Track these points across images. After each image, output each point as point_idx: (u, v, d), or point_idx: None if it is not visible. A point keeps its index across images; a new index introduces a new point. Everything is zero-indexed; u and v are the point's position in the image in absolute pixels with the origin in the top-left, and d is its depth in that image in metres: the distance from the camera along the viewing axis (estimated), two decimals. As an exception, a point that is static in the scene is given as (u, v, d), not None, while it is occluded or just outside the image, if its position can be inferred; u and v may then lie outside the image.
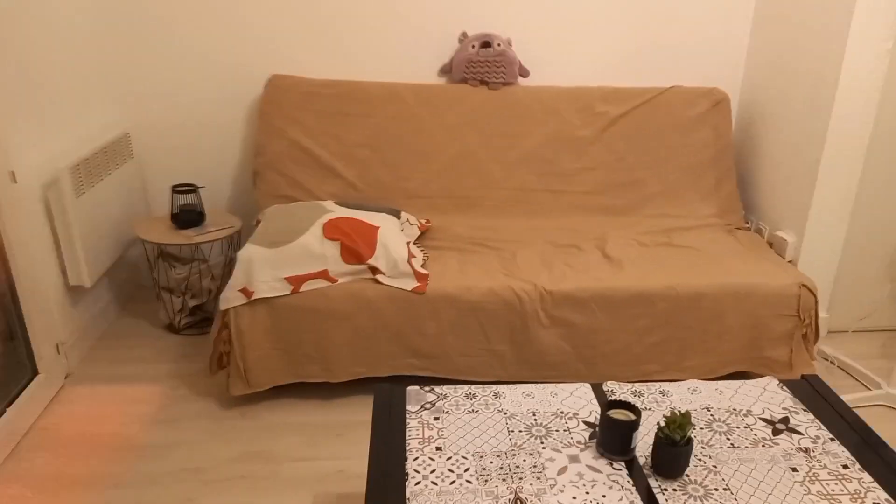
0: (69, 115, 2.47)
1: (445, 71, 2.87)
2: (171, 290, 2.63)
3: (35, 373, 2.24)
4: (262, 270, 2.13)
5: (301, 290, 2.15)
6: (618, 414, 1.43)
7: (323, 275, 2.17)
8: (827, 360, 2.62)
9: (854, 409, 1.67)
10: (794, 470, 1.41)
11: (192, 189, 2.61)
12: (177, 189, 2.60)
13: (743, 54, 2.95)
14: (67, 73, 2.47)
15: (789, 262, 2.59)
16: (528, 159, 2.80)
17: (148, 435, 2.12)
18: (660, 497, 1.32)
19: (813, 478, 1.39)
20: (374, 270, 2.21)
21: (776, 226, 2.76)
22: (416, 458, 1.42)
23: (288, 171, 2.70)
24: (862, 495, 1.34)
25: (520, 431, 1.51)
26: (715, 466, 1.41)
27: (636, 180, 2.81)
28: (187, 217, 2.60)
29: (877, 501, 1.32)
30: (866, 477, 1.39)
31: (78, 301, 2.51)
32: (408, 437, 1.48)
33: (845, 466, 1.42)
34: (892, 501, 1.32)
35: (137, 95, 2.81)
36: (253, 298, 2.13)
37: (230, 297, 2.13)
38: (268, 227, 2.26)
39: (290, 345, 2.20)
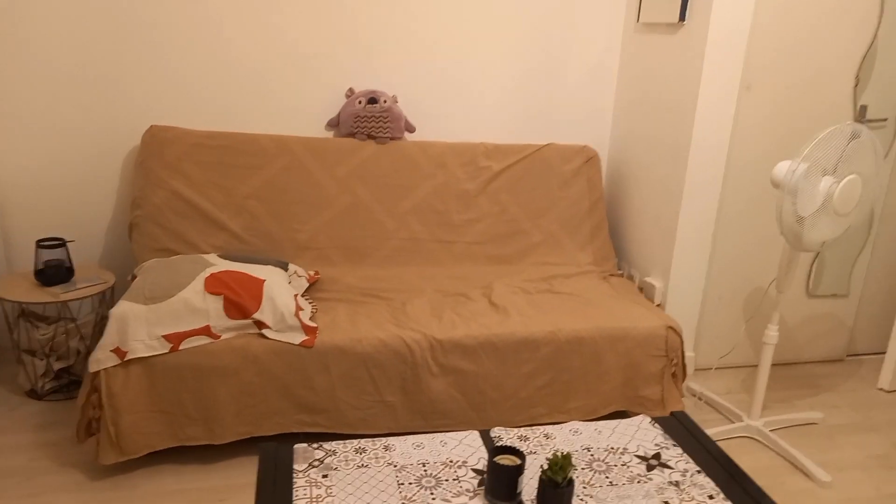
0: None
1: (333, 125, 2.90)
2: (33, 352, 2.43)
3: None
4: (137, 328, 2.02)
5: (181, 347, 2.06)
6: (504, 460, 1.47)
7: (205, 331, 2.09)
8: (695, 395, 2.82)
9: (720, 442, 1.81)
10: (666, 503, 1.50)
11: (59, 243, 2.44)
12: (42, 244, 2.43)
13: (610, 113, 3.21)
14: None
15: (658, 305, 2.80)
16: (417, 210, 2.87)
17: (2, 515, 1.92)
18: (545, 539, 1.36)
19: (683, 509, 1.48)
20: (260, 325, 2.16)
21: (645, 272, 2.97)
22: (304, 519, 1.38)
23: (169, 223, 2.60)
24: (725, 522, 1.44)
25: (410, 483, 1.51)
26: (596, 505, 1.48)
27: (519, 231, 2.95)
28: (53, 273, 2.43)
29: (738, 527, 1.43)
30: (729, 505, 1.50)
31: (-80, 368, 2.26)
32: (294, 498, 1.44)
33: (711, 497, 1.53)
34: (752, 526, 1.44)
35: (2, 139, 2.62)
36: (127, 359, 2.01)
37: (101, 359, 2.00)
38: (144, 282, 2.16)
39: (169, 406, 2.08)
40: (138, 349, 2.01)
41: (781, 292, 2.41)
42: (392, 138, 2.86)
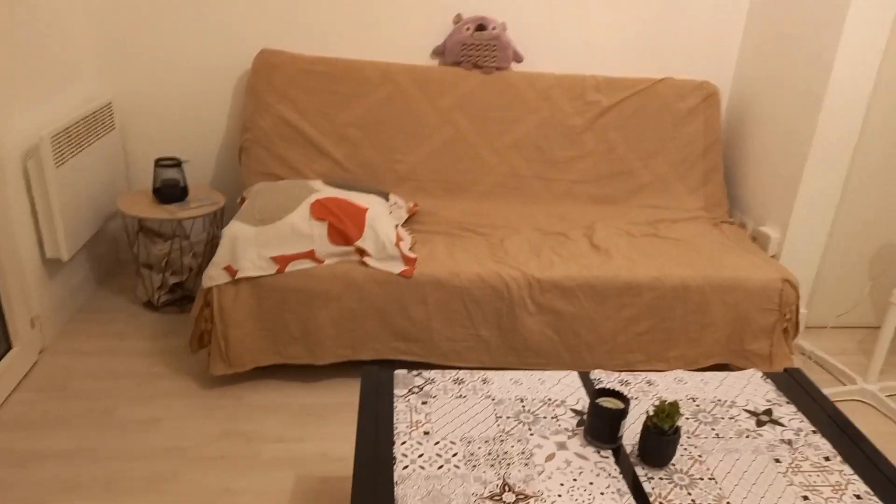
0: (52, 82, 2.40)
1: (439, 53, 2.83)
2: (150, 266, 2.58)
3: (9, 347, 2.18)
4: (247, 249, 2.10)
5: (287, 270, 2.12)
6: (606, 402, 1.43)
7: (309, 255, 2.14)
8: (804, 354, 2.66)
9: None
10: (777, 461, 1.42)
11: (175, 163, 2.55)
12: (160, 163, 2.54)
13: (735, 49, 2.96)
14: (52, 39, 2.40)
15: (772, 257, 2.62)
16: (519, 145, 2.78)
17: (126, 411, 2.09)
18: (646, 485, 1.33)
19: (795, 469, 1.40)
20: (362, 252, 2.18)
21: (760, 221, 2.78)
22: (404, 443, 1.41)
23: (275, 148, 2.65)
24: (843, 487, 1.36)
25: (508, 418, 1.51)
26: (700, 456, 1.43)
27: (626, 171, 2.81)
28: (170, 192, 2.54)
29: (857, 493, 1.34)
30: (847, 469, 1.41)
31: (54, 274, 2.45)
32: (395, 421, 1.47)
33: (827, 459, 1.44)
34: (872, 493, 1.35)
35: (122, 65, 2.73)
36: (237, 277, 2.09)
37: (214, 275, 2.09)
38: (254, 205, 2.22)
39: (273, 325, 2.17)
40: (248, 268, 2.09)
41: (920, 250, 2.19)
42: (498, 68, 2.76)
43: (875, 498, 1.33)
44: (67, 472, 1.84)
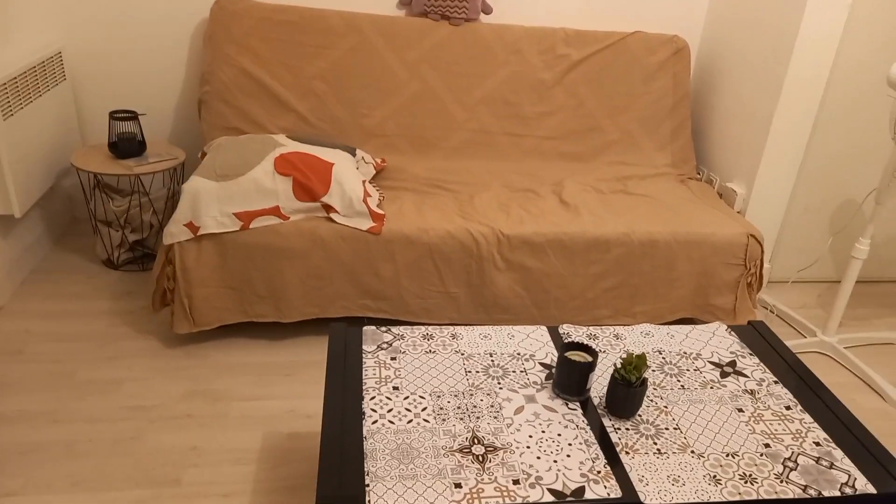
0: (-8, 28, 2.26)
1: (405, 2, 2.74)
2: (109, 223, 2.50)
3: (-39, 307, 2.10)
4: (209, 205, 2.03)
5: (251, 226, 2.07)
6: (575, 356, 1.44)
7: (274, 211, 2.09)
8: (767, 308, 2.72)
9: (795, 355, 1.74)
10: (741, 410, 1.45)
11: (132, 116, 2.44)
12: (115, 115, 2.44)
13: (705, 2, 2.93)
14: (-11, -19, 2.25)
15: (738, 212, 2.65)
16: (488, 101, 2.74)
17: (87, 372, 2.04)
18: (613, 436, 1.35)
19: (758, 418, 1.44)
20: (328, 209, 2.14)
21: (726, 177, 2.80)
22: (373, 398, 1.40)
23: (237, 101, 2.56)
24: (803, 434, 1.40)
25: (477, 372, 1.51)
26: (666, 407, 1.45)
27: (595, 127, 2.79)
28: (127, 146, 2.44)
29: (816, 440, 1.38)
30: (807, 418, 1.45)
31: (7, 232, 2.35)
32: (364, 377, 1.46)
33: (788, 408, 1.48)
34: (830, 440, 1.39)
35: (72, 12, 2.59)
36: (199, 234, 2.03)
37: (175, 232, 2.03)
38: (215, 160, 2.14)
39: (239, 283, 2.12)
40: (210, 225, 2.03)
41: (880, 203, 2.23)
42: (467, 20, 2.69)
43: (833, 444, 1.38)
44: (27, 435, 1.79)
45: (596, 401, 1.45)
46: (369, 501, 1.15)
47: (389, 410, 1.37)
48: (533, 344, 1.63)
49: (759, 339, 1.74)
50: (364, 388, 1.42)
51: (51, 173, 2.50)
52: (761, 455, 1.33)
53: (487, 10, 2.74)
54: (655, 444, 1.34)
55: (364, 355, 1.53)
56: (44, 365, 2.05)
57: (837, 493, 1.25)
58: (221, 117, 2.57)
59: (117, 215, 2.47)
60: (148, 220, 2.52)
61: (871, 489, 1.27)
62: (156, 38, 2.67)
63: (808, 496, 1.24)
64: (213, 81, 2.55)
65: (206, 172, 2.09)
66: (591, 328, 1.71)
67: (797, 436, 1.39)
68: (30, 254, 2.50)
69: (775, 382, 1.56)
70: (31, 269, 2.51)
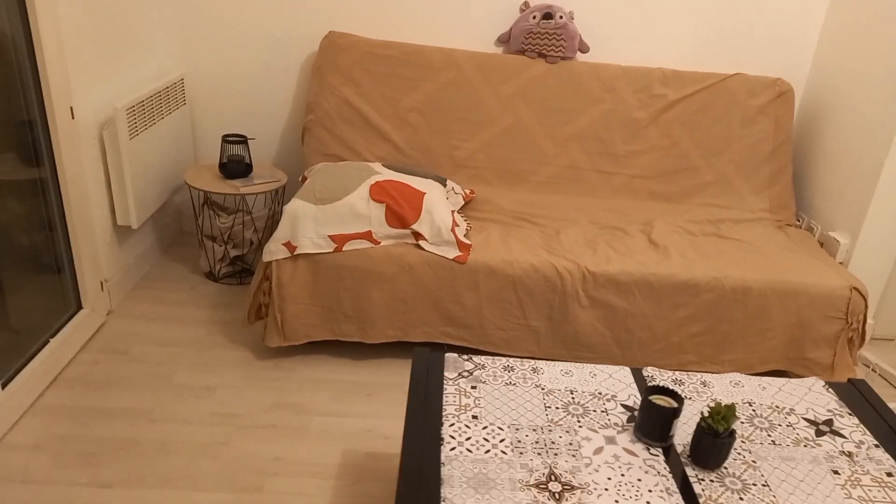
0: (127, 56, 2.49)
1: (503, 41, 2.81)
2: (213, 238, 2.66)
3: (79, 307, 2.29)
4: (307, 226, 2.14)
5: (344, 248, 2.16)
6: (659, 400, 1.41)
7: (367, 236, 2.17)
8: (868, 366, 2.56)
9: None
10: (836, 473, 1.38)
11: (242, 140, 2.61)
12: (227, 139, 2.61)
13: (813, 43, 2.84)
14: (130, 13, 2.48)
15: (840, 263, 2.52)
16: (580, 137, 2.75)
17: (184, 376, 2.17)
18: (696, 486, 1.31)
19: (855, 482, 1.35)
20: (417, 236, 2.20)
21: (829, 226, 2.67)
22: (452, 425, 1.42)
23: (337, 129, 2.69)
24: (906, 505, 1.31)
25: (557, 408, 1.50)
26: (754, 461, 1.39)
27: (689, 167, 2.74)
28: (235, 167, 2.61)
29: (921, 513, 1.29)
30: (911, 487, 1.35)
31: (124, 241, 2.55)
32: (444, 403, 1.48)
33: (889, 474, 1.39)
34: (937, 515, 1.29)
35: (194, 41, 2.82)
36: (296, 253, 2.14)
37: (274, 250, 2.14)
38: (315, 184, 2.26)
39: (328, 302, 2.21)
40: (307, 245, 2.13)
41: None
42: (563, 58, 2.73)
43: (940, 519, 1.28)
44: (125, 431, 1.92)
45: (679, 449, 1.41)
46: (445, 527, 1.17)
47: (468, 438, 1.38)
48: (615, 384, 1.61)
49: (860, 398, 1.64)
50: (444, 414, 1.45)
51: (166, 189, 2.70)
52: (858, 523, 1.25)
53: (585, 49, 2.77)
54: (742, 499, 1.29)
55: (445, 381, 1.56)
56: (146, 366, 2.20)
57: (944, 573, 1.16)
58: (322, 143, 2.70)
59: (221, 231, 2.63)
60: (249, 237, 2.68)
61: (984, 573, 1.17)
62: (268, 68, 2.86)
63: (910, 573, 1.16)
64: (317, 110, 2.69)
65: (307, 195, 2.20)
66: (676, 373, 1.67)
67: (899, 506, 1.30)
68: (142, 262, 2.70)
69: (876, 446, 1.47)
70: (142, 276, 2.71)
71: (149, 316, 2.47)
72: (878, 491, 1.34)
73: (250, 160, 2.65)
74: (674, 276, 2.19)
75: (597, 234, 2.43)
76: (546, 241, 2.34)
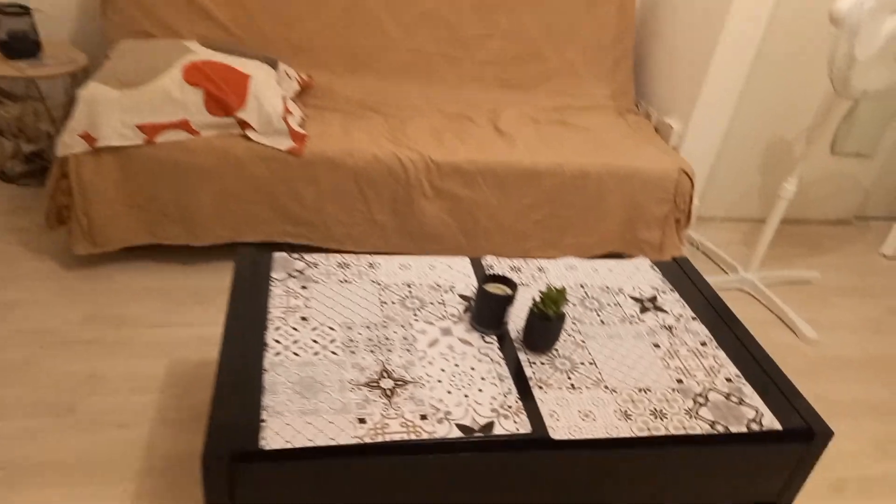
0: None
1: None
2: (1, 131, 2.26)
3: None
4: (109, 114, 1.84)
5: (156, 140, 1.90)
6: (494, 288, 1.38)
7: (183, 125, 1.92)
8: (693, 244, 2.74)
9: (715, 292, 1.74)
10: (657, 346, 1.44)
11: (23, 11, 2.17)
12: (4, 10, 2.16)
13: (656, -74, 2.79)
14: None
15: (673, 148, 2.62)
16: (427, 19, 2.57)
17: (-26, 294, 1.87)
18: (527, 370, 1.31)
19: (673, 354, 1.43)
20: (244, 125, 1.98)
21: (665, 112, 2.75)
22: (278, 328, 1.31)
23: (148, 2, 2.31)
24: (716, 371, 1.40)
25: (393, 303, 1.44)
26: (583, 341, 1.42)
27: (536, 54, 2.67)
28: (19, 45, 2.18)
29: (728, 376, 1.39)
30: (721, 354, 1.45)
31: None
32: (270, 306, 1.37)
33: (703, 344, 1.48)
34: (742, 376, 1.39)
35: None
36: (98, 146, 1.85)
37: (69, 143, 1.84)
38: (118, 65, 1.94)
39: (145, 201, 1.96)
40: (110, 137, 1.85)
41: (812, 143, 2.23)
42: (404, -74, 2.48)
43: (743, 380, 1.38)
44: None
45: (514, 335, 1.40)
46: (264, 437, 1.09)
47: (295, 342, 1.29)
48: (454, 275, 1.56)
49: (682, 274, 1.72)
50: (269, 317, 1.34)
51: (-70, 72, 2.22)
52: (673, 391, 1.33)
53: (427, -83, 2.53)
54: (570, 378, 1.31)
55: (272, 283, 1.44)
56: (-76, 285, 1.88)
57: (744, 429, 1.26)
58: (130, 19, 2.31)
59: (9, 122, 2.23)
60: (45, 129, 2.30)
61: (777, 425, 1.29)
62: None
63: (716, 432, 1.25)
64: (118, -23, 2.28)
65: (107, 78, 1.89)
66: (514, 260, 1.66)
67: (710, 372, 1.39)
68: None
69: (693, 318, 1.55)
70: (-88, 180, 2.27)
71: (-76, 226, 2.09)
72: (693, 360, 1.42)
73: (38, 37, 2.22)
74: (518, 164, 2.16)
75: (444, 124, 2.33)
76: (391, 132, 2.21)
